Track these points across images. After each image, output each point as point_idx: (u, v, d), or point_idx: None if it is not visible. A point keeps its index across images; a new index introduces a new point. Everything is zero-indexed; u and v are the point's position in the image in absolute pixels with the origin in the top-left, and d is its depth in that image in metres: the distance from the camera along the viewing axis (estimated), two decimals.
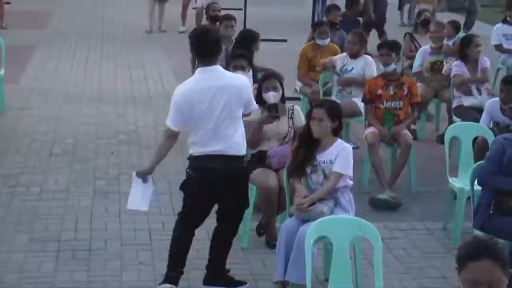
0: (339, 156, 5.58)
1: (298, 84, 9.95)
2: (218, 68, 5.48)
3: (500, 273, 2.82)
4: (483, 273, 2.81)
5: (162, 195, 7.57)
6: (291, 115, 6.57)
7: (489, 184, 5.78)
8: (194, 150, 5.47)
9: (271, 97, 6.43)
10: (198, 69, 5.52)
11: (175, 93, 5.52)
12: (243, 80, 5.62)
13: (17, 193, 7.52)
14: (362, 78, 8.76)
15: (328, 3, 16.55)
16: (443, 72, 9.72)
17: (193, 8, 16.86)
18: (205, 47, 5.42)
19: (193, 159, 5.50)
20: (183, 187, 5.59)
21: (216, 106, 5.36)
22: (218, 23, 10.49)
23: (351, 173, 5.64)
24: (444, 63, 9.83)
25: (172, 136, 5.56)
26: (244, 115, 5.56)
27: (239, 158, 5.50)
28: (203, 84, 5.41)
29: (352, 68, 9.00)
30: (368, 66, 8.95)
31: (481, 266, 2.82)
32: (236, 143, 5.44)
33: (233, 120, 5.41)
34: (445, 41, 10.15)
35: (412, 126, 8.75)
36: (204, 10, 14.19)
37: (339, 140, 5.71)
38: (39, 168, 8.24)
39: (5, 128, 9.69)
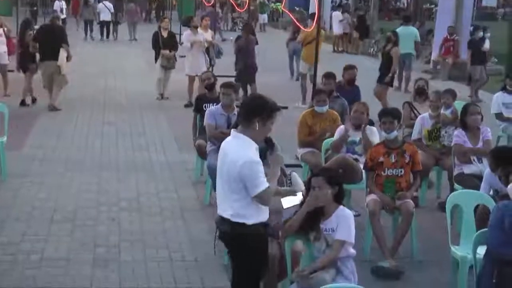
0: (340, 224, 5.62)
1: (300, 151, 10.00)
2: (241, 136, 5.37)
3: None
4: None
5: (162, 262, 7.55)
6: (289, 184, 6.57)
7: (497, 255, 5.74)
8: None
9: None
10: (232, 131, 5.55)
11: None
12: (244, 156, 5.31)
13: (18, 261, 7.50)
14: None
15: None
16: (444, 143, 9.78)
17: (186, 75, 17.06)
18: (241, 111, 5.46)
19: None
20: None
21: (223, 170, 5.41)
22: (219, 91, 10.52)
23: (352, 239, 5.65)
24: (443, 133, 9.89)
25: None
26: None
27: (243, 225, 5.37)
28: (223, 146, 5.51)
29: (360, 139, 9.08)
30: (373, 136, 9.03)
31: None
32: (240, 210, 5.35)
33: (239, 190, 5.33)
34: (442, 111, 10.19)
35: (414, 193, 8.76)
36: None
37: (340, 207, 5.75)
38: (39, 236, 8.23)
39: (6, 195, 9.70)
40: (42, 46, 15.60)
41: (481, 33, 20.09)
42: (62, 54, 15.63)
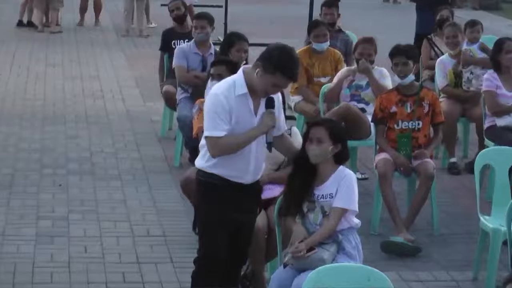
0: (340, 188, 5.60)
1: (293, 100, 9.96)
2: (240, 73, 5.69)
3: None
4: None
5: (122, 237, 7.57)
6: (288, 133, 6.52)
7: None
8: None
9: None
10: None
11: None
12: (214, 89, 5.72)
13: None
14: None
15: None
16: (464, 87, 9.71)
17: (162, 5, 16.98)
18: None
19: None
20: None
21: None
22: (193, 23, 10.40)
23: (356, 207, 5.65)
24: (468, 75, 9.77)
25: None
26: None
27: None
28: None
29: (367, 83, 9.03)
30: (384, 79, 8.98)
31: None
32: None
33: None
34: (464, 47, 10.08)
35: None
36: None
37: (340, 167, 5.72)
38: None
39: None
40: None
41: None
42: None
